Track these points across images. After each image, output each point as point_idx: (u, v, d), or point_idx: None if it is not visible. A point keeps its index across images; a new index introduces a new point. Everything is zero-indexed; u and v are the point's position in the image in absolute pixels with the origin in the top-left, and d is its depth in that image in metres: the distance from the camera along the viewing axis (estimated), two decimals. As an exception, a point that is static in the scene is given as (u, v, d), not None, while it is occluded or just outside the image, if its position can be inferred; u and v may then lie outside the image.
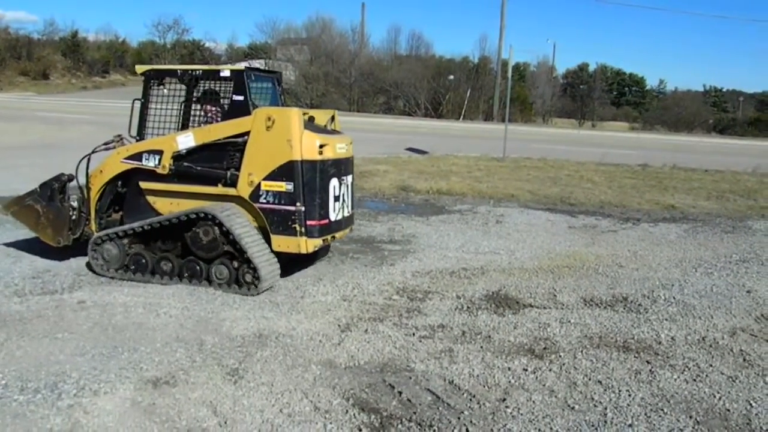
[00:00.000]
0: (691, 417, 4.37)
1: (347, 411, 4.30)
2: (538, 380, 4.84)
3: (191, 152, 6.83)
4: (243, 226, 6.59)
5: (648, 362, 5.23)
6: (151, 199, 7.08)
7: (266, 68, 6.87)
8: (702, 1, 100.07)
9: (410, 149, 21.19)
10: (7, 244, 8.20)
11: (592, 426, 4.20)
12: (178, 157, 6.86)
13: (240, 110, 6.74)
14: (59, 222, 7.27)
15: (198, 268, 6.72)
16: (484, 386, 4.72)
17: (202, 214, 6.57)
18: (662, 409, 4.45)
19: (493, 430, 4.12)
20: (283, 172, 6.52)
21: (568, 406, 4.46)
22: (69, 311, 5.91)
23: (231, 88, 6.93)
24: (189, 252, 6.75)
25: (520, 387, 4.72)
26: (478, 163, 17.99)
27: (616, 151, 22.66)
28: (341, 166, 7.05)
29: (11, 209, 7.60)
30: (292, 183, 6.51)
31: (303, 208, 6.56)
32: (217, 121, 6.98)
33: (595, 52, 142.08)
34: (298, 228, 6.58)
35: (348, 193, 7.28)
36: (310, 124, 6.87)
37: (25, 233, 8.55)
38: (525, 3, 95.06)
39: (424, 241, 9.23)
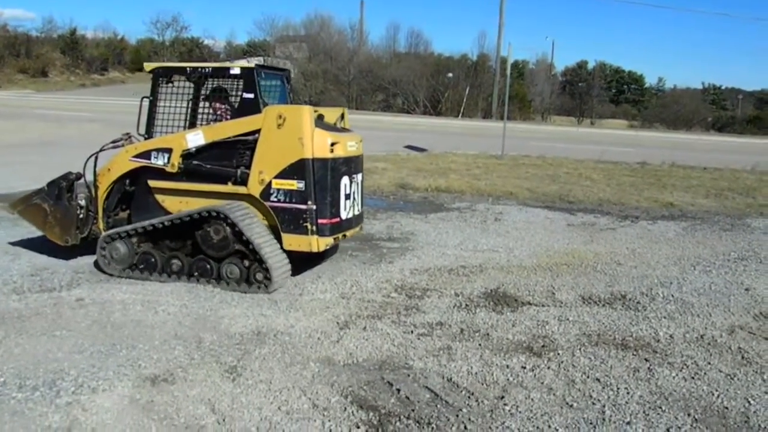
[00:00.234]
0: (689, 415, 4.37)
1: (345, 408, 4.30)
2: (536, 378, 4.84)
3: (201, 150, 6.78)
4: (255, 225, 6.56)
5: (646, 360, 5.24)
6: (159, 197, 7.04)
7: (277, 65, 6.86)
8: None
9: (409, 147, 21.18)
10: (6, 242, 8.18)
11: (591, 424, 4.20)
12: (187, 155, 6.81)
13: (250, 108, 6.69)
14: (67, 221, 7.21)
15: (208, 267, 6.67)
16: (482, 384, 4.72)
17: (214, 213, 6.53)
18: (660, 407, 4.45)
19: (492, 428, 4.12)
20: (295, 170, 6.49)
21: (567, 403, 4.47)
22: (67, 309, 5.91)
23: (241, 86, 6.88)
24: (199, 251, 6.71)
25: (519, 385, 4.72)
26: (476, 161, 18.00)
27: (615, 149, 22.67)
28: (352, 164, 7.03)
29: (18, 208, 7.53)
30: (304, 181, 6.48)
31: (314, 207, 6.54)
32: (226, 119, 6.93)
33: (594, 50, 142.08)
34: (309, 226, 6.55)
35: (358, 191, 7.26)
36: (320, 122, 6.84)
37: (23, 231, 8.55)
38: (524, 0, 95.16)
39: (422, 239, 9.23)
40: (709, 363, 5.22)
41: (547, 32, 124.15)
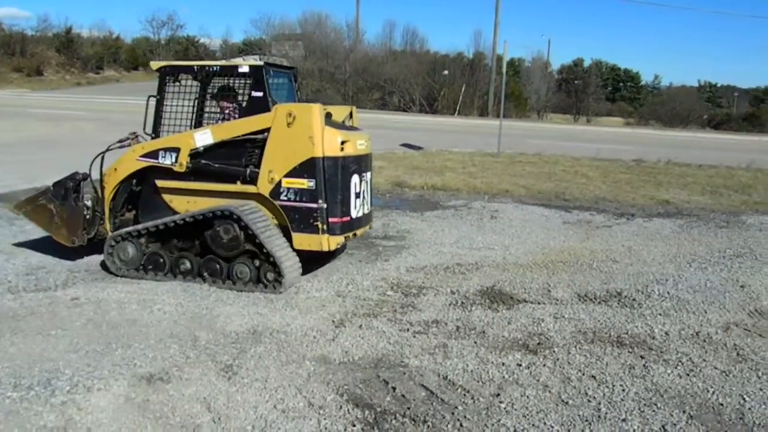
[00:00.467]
0: (684, 411, 4.38)
1: (341, 406, 4.30)
2: (532, 375, 4.85)
3: (209, 149, 6.73)
4: (265, 225, 6.53)
5: (642, 357, 5.25)
6: (167, 197, 6.99)
7: (284, 63, 6.84)
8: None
9: (405, 145, 21.16)
10: (1, 241, 8.16)
11: (586, 421, 4.21)
12: (195, 154, 6.76)
13: (259, 106, 6.65)
14: (73, 221, 7.12)
15: (218, 267, 6.64)
16: (478, 381, 4.73)
17: (225, 212, 6.49)
18: (656, 404, 4.46)
19: (487, 426, 4.13)
20: (305, 168, 6.46)
21: (562, 401, 4.47)
22: (62, 308, 5.90)
23: (249, 84, 6.83)
24: (208, 251, 6.66)
25: (514, 382, 4.73)
26: (472, 159, 17.99)
27: (611, 147, 22.67)
28: (361, 163, 7.02)
29: (23, 209, 7.43)
30: (314, 180, 6.45)
31: (325, 206, 6.51)
32: (234, 118, 6.89)
33: (590, 48, 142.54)
34: (320, 225, 6.53)
35: (368, 189, 7.24)
36: (329, 120, 6.80)
37: (18, 230, 8.54)
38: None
39: (418, 237, 9.23)
40: (705, 360, 5.23)
41: (543, 30, 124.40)
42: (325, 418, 4.14)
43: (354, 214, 6.89)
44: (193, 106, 7.02)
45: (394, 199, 12.40)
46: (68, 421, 3.97)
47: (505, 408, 4.35)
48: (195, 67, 7.05)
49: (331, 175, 6.53)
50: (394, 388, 4.57)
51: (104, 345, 5.08)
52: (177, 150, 6.79)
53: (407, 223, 10.11)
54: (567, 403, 4.45)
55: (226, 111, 7.03)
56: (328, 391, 4.51)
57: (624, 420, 4.24)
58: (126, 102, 33.11)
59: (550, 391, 4.60)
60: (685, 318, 6.20)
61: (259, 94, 6.70)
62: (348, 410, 4.26)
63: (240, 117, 6.84)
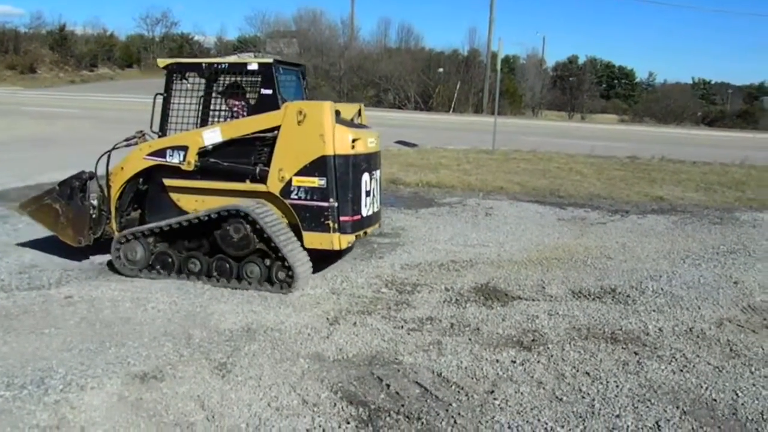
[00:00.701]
0: (678, 407, 4.39)
1: (335, 404, 4.30)
2: (526, 372, 4.85)
3: (217, 148, 6.68)
4: (276, 224, 6.49)
5: (636, 353, 5.26)
6: (174, 196, 6.93)
7: (293, 61, 6.77)
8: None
9: (400, 142, 21.15)
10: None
11: (580, 417, 4.22)
12: (203, 153, 6.70)
13: (268, 104, 6.60)
14: (80, 221, 7.02)
15: (228, 266, 6.59)
16: (472, 378, 4.73)
17: (235, 211, 6.44)
18: (650, 400, 4.47)
19: (481, 422, 4.13)
20: (316, 167, 6.42)
21: (556, 397, 4.48)
22: (56, 306, 5.88)
23: (259, 82, 6.76)
24: (218, 250, 6.62)
25: (509, 379, 4.73)
26: (467, 156, 17.98)
27: (606, 144, 22.69)
28: (371, 161, 7.00)
29: (28, 209, 7.34)
30: (325, 178, 6.42)
31: (336, 204, 6.49)
32: (242, 116, 6.84)
33: (584, 45, 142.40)
34: (331, 224, 6.50)
35: (377, 187, 7.22)
36: (339, 118, 6.76)
37: (11, 228, 8.51)
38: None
39: (413, 234, 9.23)
40: (698, 356, 5.25)
41: (537, 27, 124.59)
42: (319, 416, 4.14)
43: (365, 212, 6.86)
44: (198, 104, 6.96)
45: (388, 197, 12.37)
46: (61, 419, 3.95)
47: (499, 405, 4.35)
48: (203, 65, 6.97)
49: (342, 174, 6.50)
50: (388, 386, 4.57)
51: (98, 343, 5.07)
52: (185, 148, 6.72)
53: (402, 221, 10.11)
54: (561, 399, 4.45)
55: (235, 109, 6.96)
56: (322, 388, 4.51)
57: (618, 416, 4.25)
58: (120, 100, 33.05)
59: (544, 388, 4.61)
60: (679, 314, 6.22)
61: (269, 91, 6.64)
62: (342, 407, 4.26)
63: (249, 115, 6.78)
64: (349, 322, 5.75)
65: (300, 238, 6.60)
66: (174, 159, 6.78)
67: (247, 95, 6.96)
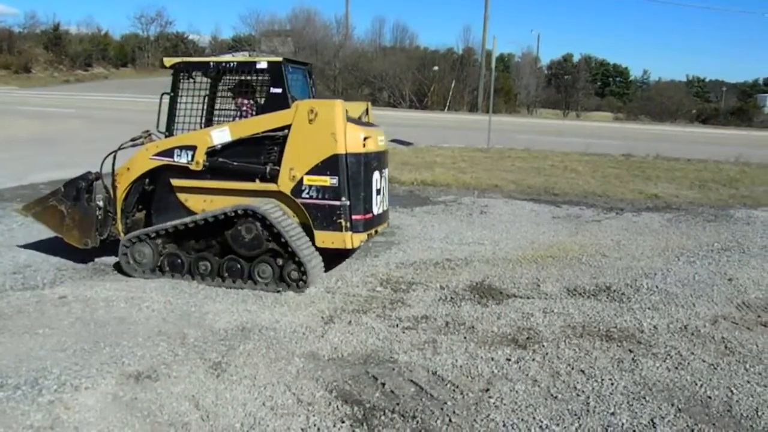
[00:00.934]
0: (672, 405, 4.40)
1: (330, 403, 4.29)
2: (521, 370, 4.86)
3: (226, 147, 6.62)
4: (288, 223, 6.45)
5: (630, 351, 5.26)
6: (182, 196, 6.85)
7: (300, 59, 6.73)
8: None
9: (395, 141, 21.13)
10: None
11: (575, 415, 4.22)
12: (212, 152, 6.64)
13: (278, 103, 6.55)
14: (86, 223, 6.92)
15: (239, 266, 6.54)
16: (467, 377, 4.73)
17: (248, 211, 6.38)
18: (644, 397, 4.48)
19: (477, 421, 4.13)
20: (327, 166, 6.39)
21: (551, 395, 4.48)
22: (50, 306, 5.85)
23: (268, 81, 6.70)
24: (228, 251, 6.56)
25: (504, 377, 4.74)
26: (462, 154, 18.00)
27: (600, 141, 22.75)
28: (381, 159, 6.99)
29: (32, 210, 7.23)
30: (337, 177, 6.39)
31: (348, 203, 6.46)
32: (251, 115, 6.78)
33: (579, 43, 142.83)
34: (343, 223, 6.47)
35: (386, 186, 7.21)
36: (349, 116, 6.71)
37: (5, 228, 8.48)
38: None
39: (408, 233, 9.23)
40: (693, 353, 5.26)
41: (532, 25, 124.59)
42: (314, 415, 4.14)
43: (376, 210, 6.85)
44: (202, 104, 6.92)
45: (383, 195, 12.36)
46: (55, 420, 3.94)
47: (494, 403, 4.35)
48: (210, 64, 6.90)
49: (354, 172, 6.47)
50: (383, 384, 4.57)
51: (92, 343, 5.05)
52: (193, 148, 6.66)
53: (397, 219, 10.10)
54: (556, 397, 4.46)
55: (243, 108, 6.89)
56: (317, 387, 4.50)
57: (613, 414, 4.25)
58: (114, 99, 32.94)
59: (539, 386, 4.61)
60: (674, 311, 6.23)
61: (278, 90, 6.60)
62: (337, 406, 4.26)
63: (258, 114, 6.73)
64: (344, 320, 5.74)
65: (311, 237, 6.56)
66: (182, 159, 6.72)
67: (256, 94, 6.90)
